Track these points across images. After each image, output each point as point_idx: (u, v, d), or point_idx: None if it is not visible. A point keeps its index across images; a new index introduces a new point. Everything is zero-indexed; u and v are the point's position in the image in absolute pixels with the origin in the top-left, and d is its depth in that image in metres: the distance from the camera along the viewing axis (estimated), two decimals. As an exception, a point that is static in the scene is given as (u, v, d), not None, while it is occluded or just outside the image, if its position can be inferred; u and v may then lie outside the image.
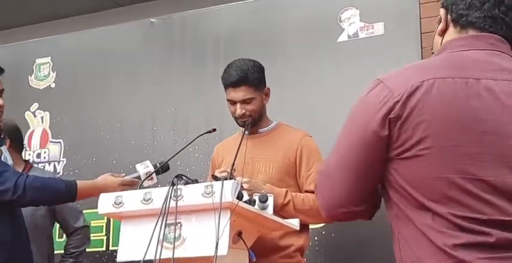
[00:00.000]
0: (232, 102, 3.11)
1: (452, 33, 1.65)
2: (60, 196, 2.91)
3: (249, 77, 3.06)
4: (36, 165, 4.29)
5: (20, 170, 3.45)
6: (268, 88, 3.19)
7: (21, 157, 3.80)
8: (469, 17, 1.62)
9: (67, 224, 3.80)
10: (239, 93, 3.07)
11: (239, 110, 3.07)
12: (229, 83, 3.08)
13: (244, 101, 3.08)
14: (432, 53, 1.72)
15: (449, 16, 1.66)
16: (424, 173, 1.48)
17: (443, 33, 1.68)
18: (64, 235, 3.98)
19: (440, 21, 1.69)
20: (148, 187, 2.78)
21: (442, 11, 1.69)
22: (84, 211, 4.10)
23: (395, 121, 1.50)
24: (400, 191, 1.53)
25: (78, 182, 2.92)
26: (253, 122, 3.11)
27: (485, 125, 1.47)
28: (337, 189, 1.60)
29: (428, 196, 1.48)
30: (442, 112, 1.47)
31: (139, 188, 2.68)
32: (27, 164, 3.76)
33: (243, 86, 3.06)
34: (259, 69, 3.14)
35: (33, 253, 3.36)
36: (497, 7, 1.61)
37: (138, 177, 2.92)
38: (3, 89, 2.95)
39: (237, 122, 3.15)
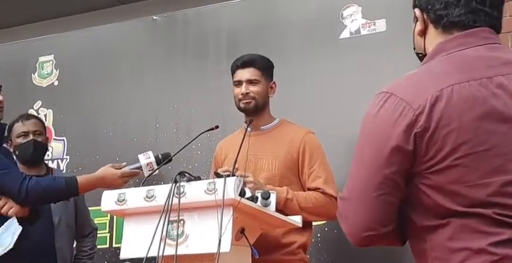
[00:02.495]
0: (238, 84, 3.15)
1: (434, 34, 1.61)
2: (63, 194, 2.98)
3: (258, 60, 3.18)
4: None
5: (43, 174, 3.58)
6: (274, 82, 3.23)
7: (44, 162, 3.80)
8: (450, 17, 1.58)
9: (86, 224, 3.83)
10: (246, 74, 3.15)
11: (244, 88, 3.12)
12: (239, 64, 3.18)
13: (250, 81, 3.14)
14: (418, 54, 1.68)
15: (425, 16, 1.62)
16: (460, 183, 1.44)
17: (423, 33, 1.64)
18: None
19: (417, 20, 1.64)
20: (150, 177, 2.79)
21: (417, 11, 1.64)
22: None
23: (422, 135, 1.44)
24: (426, 203, 1.49)
25: (78, 177, 2.96)
26: (255, 108, 3.12)
27: (508, 123, 1.46)
28: (362, 212, 1.53)
29: (465, 203, 1.44)
30: (468, 118, 1.44)
31: (142, 183, 2.69)
32: (48, 169, 3.76)
33: (251, 67, 3.16)
34: (269, 61, 3.25)
35: (62, 251, 3.47)
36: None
37: (140, 167, 2.92)
38: (0, 86, 2.96)
39: (238, 108, 3.17)
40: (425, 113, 1.44)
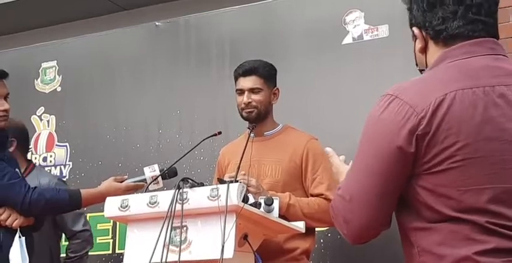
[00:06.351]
0: (240, 92, 3.15)
1: (435, 49, 1.63)
2: (65, 207, 3.01)
3: (260, 68, 3.16)
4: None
5: (22, 171, 3.41)
6: (278, 89, 3.22)
7: (26, 158, 3.73)
8: (449, 30, 1.60)
9: (65, 227, 3.73)
10: (248, 83, 3.13)
11: (246, 98, 3.11)
12: (241, 72, 3.17)
13: (252, 90, 3.13)
14: (421, 70, 1.70)
15: (424, 33, 1.65)
16: (453, 186, 1.47)
17: (424, 51, 1.66)
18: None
19: (416, 38, 1.67)
20: (154, 191, 2.78)
21: (415, 30, 1.66)
22: (90, 214, 4.11)
23: (423, 137, 1.47)
24: (420, 205, 1.51)
25: (82, 191, 2.96)
26: (257, 117, 3.12)
27: (506, 133, 1.48)
28: (365, 213, 1.55)
29: (457, 208, 1.47)
30: (467, 124, 1.47)
31: (145, 190, 2.69)
32: (29, 164, 3.71)
33: (253, 75, 3.14)
34: (272, 67, 3.24)
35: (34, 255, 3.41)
36: (469, 10, 1.59)
37: (144, 180, 2.91)
38: (8, 93, 2.98)
39: (241, 116, 3.17)
40: (427, 117, 1.47)
